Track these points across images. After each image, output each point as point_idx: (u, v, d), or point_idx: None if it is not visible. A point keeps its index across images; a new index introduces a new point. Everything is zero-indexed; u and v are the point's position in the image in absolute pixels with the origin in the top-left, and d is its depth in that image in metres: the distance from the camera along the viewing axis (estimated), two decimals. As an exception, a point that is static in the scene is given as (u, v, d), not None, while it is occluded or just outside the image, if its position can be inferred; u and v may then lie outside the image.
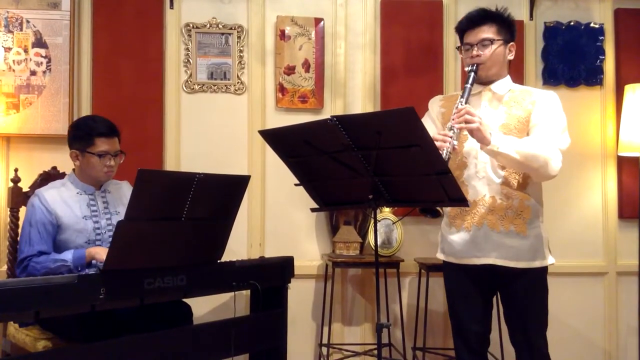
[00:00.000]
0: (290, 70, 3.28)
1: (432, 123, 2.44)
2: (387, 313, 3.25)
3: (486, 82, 2.34)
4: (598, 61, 3.46)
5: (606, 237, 3.47)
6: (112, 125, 2.48)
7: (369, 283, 3.31)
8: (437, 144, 2.10)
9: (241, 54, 3.27)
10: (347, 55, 3.37)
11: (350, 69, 3.37)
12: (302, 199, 2.50)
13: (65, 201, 2.43)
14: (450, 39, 3.41)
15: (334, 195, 2.29)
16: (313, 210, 2.39)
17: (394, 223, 3.15)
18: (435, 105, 2.49)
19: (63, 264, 2.29)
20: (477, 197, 2.29)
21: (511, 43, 2.35)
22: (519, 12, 3.46)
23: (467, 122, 2.13)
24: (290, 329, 2.70)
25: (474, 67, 2.28)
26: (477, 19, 2.34)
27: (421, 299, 3.13)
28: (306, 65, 3.29)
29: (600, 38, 3.46)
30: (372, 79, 3.37)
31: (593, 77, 3.46)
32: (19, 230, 2.73)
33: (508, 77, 2.38)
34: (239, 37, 3.27)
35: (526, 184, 2.29)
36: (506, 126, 2.28)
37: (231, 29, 3.27)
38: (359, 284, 3.34)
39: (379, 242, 2.93)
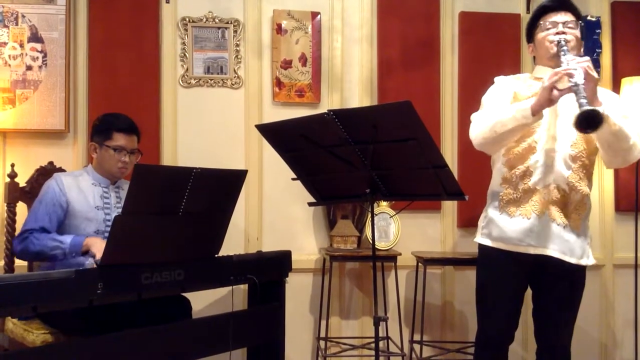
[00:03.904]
0: (287, 64, 3.28)
1: (502, 95, 2.36)
2: (384, 306, 3.27)
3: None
4: (595, 54, 3.46)
5: (603, 230, 3.49)
6: (132, 124, 2.55)
7: (367, 277, 3.32)
8: (563, 73, 2.02)
9: (238, 48, 3.26)
10: (344, 49, 3.36)
11: (347, 63, 3.36)
12: (300, 193, 2.50)
13: (80, 188, 2.48)
14: (447, 32, 3.41)
15: (331, 190, 2.29)
16: (310, 204, 2.40)
17: (391, 217, 3.15)
18: (505, 82, 2.41)
19: (59, 244, 2.32)
20: (541, 185, 2.23)
21: (582, 41, 2.36)
22: (515, 5, 3.47)
23: (589, 68, 2.05)
24: (288, 323, 2.70)
25: (563, 40, 2.21)
26: (565, 2, 2.33)
27: (418, 292, 3.13)
28: (303, 60, 3.28)
29: (597, 31, 3.46)
30: (369, 72, 3.36)
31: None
32: (16, 226, 2.74)
33: None
34: (235, 31, 3.26)
35: (589, 180, 2.26)
36: None
37: (227, 23, 3.26)
38: (357, 278, 3.35)
39: (376, 236, 2.93)
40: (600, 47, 3.46)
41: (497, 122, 2.20)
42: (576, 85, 1.97)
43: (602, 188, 3.48)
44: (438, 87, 3.40)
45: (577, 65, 2.03)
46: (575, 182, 2.22)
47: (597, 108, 1.91)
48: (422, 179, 2.07)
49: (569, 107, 2.18)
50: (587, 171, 2.26)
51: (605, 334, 3.48)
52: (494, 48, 3.36)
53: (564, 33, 2.25)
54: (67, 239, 2.34)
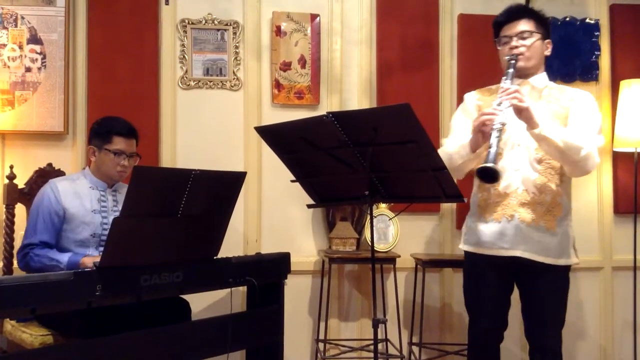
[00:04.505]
0: (286, 66, 3.28)
1: (467, 116, 2.42)
2: (383, 308, 3.27)
3: (524, 76, 2.34)
4: (593, 57, 3.46)
5: (601, 232, 3.49)
6: (132, 127, 2.54)
7: (366, 279, 3.32)
8: (484, 117, 2.13)
9: (237, 50, 3.26)
10: (343, 51, 3.36)
11: (346, 65, 3.37)
12: (299, 195, 2.50)
13: (76, 193, 2.46)
14: (446, 34, 3.42)
15: (330, 192, 2.29)
16: (309, 206, 2.40)
17: (390, 219, 3.16)
18: (471, 98, 2.48)
19: (57, 264, 2.30)
20: (510, 189, 2.28)
21: (548, 40, 2.37)
22: (514, 7, 3.47)
23: (517, 99, 2.12)
24: (287, 325, 2.70)
25: (514, 57, 2.27)
26: (516, 12, 2.36)
27: (417, 295, 3.13)
28: (302, 62, 3.29)
29: (596, 34, 3.46)
30: (368, 75, 3.36)
31: (588, 73, 3.46)
32: (15, 227, 2.74)
33: (545, 73, 2.39)
34: (234, 33, 3.26)
35: (561, 180, 2.28)
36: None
37: (227, 24, 3.26)
38: (356, 280, 3.35)
39: (375, 238, 2.93)
40: (598, 49, 3.46)
41: (449, 158, 2.32)
42: (492, 130, 2.09)
43: (601, 191, 3.48)
44: (437, 90, 3.40)
45: (506, 97, 2.13)
46: (543, 184, 2.25)
47: (491, 165, 2.01)
48: (421, 181, 2.08)
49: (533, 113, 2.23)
50: (557, 172, 2.27)
51: (604, 336, 3.48)
52: (493, 50, 3.34)
53: (517, 47, 2.30)
54: (64, 257, 2.32)
